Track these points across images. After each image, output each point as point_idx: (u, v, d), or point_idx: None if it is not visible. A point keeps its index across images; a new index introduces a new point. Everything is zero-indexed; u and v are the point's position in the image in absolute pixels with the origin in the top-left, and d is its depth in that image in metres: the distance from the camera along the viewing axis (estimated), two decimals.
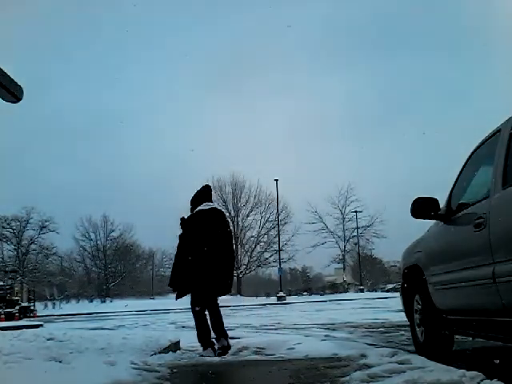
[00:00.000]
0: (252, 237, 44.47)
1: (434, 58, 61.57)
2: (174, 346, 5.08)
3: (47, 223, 44.70)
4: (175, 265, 4.64)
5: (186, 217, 4.72)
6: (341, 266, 47.34)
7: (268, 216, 43.75)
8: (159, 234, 51.23)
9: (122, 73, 65.37)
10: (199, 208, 4.63)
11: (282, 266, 38.76)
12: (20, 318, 19.99)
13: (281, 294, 34.19)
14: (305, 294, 43.93)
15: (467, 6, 60.49)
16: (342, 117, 64.60)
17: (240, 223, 44.13)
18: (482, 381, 2.47)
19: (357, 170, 57.51)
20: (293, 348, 4.72)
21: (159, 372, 3.45)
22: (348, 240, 45.75)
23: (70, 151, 58.86)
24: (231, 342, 5.45)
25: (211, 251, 4.40)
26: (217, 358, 4.26)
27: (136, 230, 51.08)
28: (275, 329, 8.45)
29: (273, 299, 34.35)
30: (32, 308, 24.65)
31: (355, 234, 45.05)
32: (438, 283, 3.56)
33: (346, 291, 42.37)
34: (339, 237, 45.10)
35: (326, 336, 6.39)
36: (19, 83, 3.30)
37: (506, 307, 2.62)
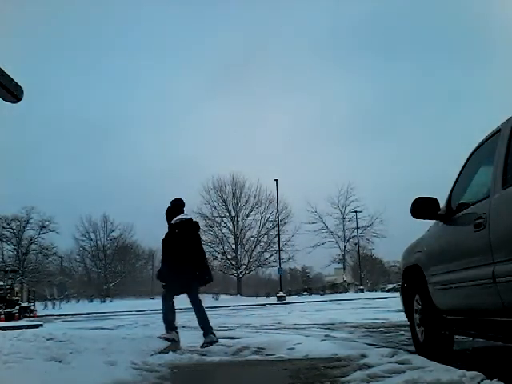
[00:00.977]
0: (252, 237, 44.47)
1: (435, 58, 61.65)
2: (174, 346, 5.08)
3: (47, 223, 44.70)
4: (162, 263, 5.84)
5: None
6: (341, 266, 47.32)
7: (268, 216, 43.76)
8: (159, 234, 50.42)
9: (122, 73, 65.37)
10: (172, 221, 5.65)
11: (282, 265, 38.79)
12: (20, 318, 19.97)
13: (281, 293, 34.18)
14: (305, 293, 43.88)
15: (467, 6, 60.51)
16: (343, 117, 64.70)
17: (240, 223, 44.15)
18: (482, 381, 2.47)
19: (357, 169, 57.57)
20: (293, 348, 4.72)
21: (159, 372, 3.45)
22: (348, 240, 45.74)
23: (70, 151, 58.82)
24: (231, 342, 5.46)
25: (178, 254, 5.40)
26: (217, 358, 4.26)
27: (136, 230, 51.06)
28: (275, 329, 8.44)
29: (273, 299, 34.34)
30: (32, 308, 24.60)
31: (355, 234, 45.06)
32: (438, 283, 3.55)
33: (346, 291, 42.32)
34: (339, 237, 45.11)
35: (326, 336, 6.38)
36: (19, 83, 3.30)
37: (505, 307, 2.62)
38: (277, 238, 40.00)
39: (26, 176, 52.60)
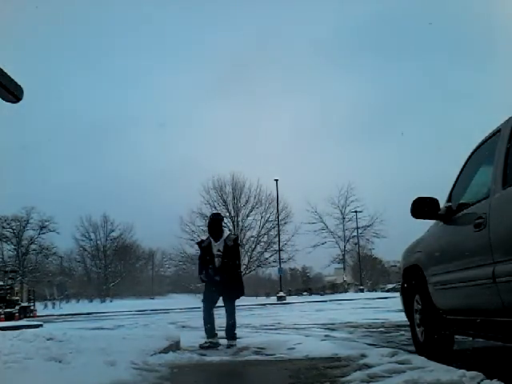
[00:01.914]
0: (252, 237, 44.41)
1: (435, 58, 61.63)
2: (174, 346, 5.08)
3: (47, 223, 44.77)
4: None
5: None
6: (341, 266, 47.30)
7: (268, 216, 43.70)
8: (159, 234, 51.02)
9: (122, 73, 65.38)
10: (231, 234, 6.13)
11: (282, 265, 38.76)
12: (20, 318, 19.99)
13: (281, 293, 34.17)
14: (305, 293, 43.89)
15: (469, 6, 60.52)
16: (343, 117, 64.53)
17: (240, 223, 44.09)
18: (482, 381, 2.47)
19: (357, 170, 57.55)
20: (293, 348, 4.73)
21: (159, 372, 3.45)
22: (348, 240, 45.73)
23: (70, 151, 58.79)
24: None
25: (227, 265, 5.61)
26: (217, 358, 4.27)
27: (136, 230, 51.06)
28: (275, 329, 8.45)
29: (273, 299, 34.34)
30: (32, 308, 24.64)
31: (355, 233, 45.04)
32: (438, 283, 3.55)
33: (346, 291, 42.33)
34: (339, 237, 45.08)
35: (326, 336, 6.38)
36: (19, 83, 3.30)
37: (506, 307, 2.62)
38: (277, 238, 39.99)
39: (26, 176, 52.60)
